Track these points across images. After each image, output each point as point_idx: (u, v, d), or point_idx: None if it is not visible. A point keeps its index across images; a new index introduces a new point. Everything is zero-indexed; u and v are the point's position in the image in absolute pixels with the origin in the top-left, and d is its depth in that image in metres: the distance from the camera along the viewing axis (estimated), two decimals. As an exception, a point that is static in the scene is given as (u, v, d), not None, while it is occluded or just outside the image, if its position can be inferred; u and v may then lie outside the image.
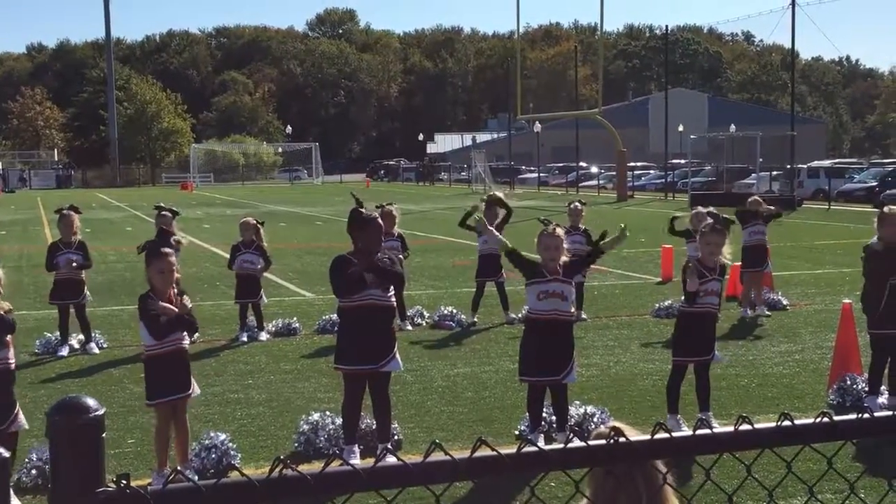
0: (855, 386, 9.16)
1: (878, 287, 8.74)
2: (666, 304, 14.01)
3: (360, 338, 7.35)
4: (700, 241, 8.56)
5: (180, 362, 7.18)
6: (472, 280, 14.13)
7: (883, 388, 8.98)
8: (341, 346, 7.53)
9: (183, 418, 7.30)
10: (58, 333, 12.14)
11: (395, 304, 7.63)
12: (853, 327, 9.60)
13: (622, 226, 8.02)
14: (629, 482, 2.59)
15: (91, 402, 1.57)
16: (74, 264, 11.88)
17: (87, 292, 12.31)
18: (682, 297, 8.34)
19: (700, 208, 13.16)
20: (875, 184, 43.90)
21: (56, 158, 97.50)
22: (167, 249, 7.33)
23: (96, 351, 11.99)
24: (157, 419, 7.29)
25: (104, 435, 1.58)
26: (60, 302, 12.05)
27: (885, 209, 8.92)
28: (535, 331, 7.69)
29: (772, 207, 14.53)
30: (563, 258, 7.72)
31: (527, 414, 8.03)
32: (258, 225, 13.04)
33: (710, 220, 8.70)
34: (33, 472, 7.08)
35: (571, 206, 13.84)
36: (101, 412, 1.57)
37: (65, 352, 11.86)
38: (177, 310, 6.99)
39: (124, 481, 1.53)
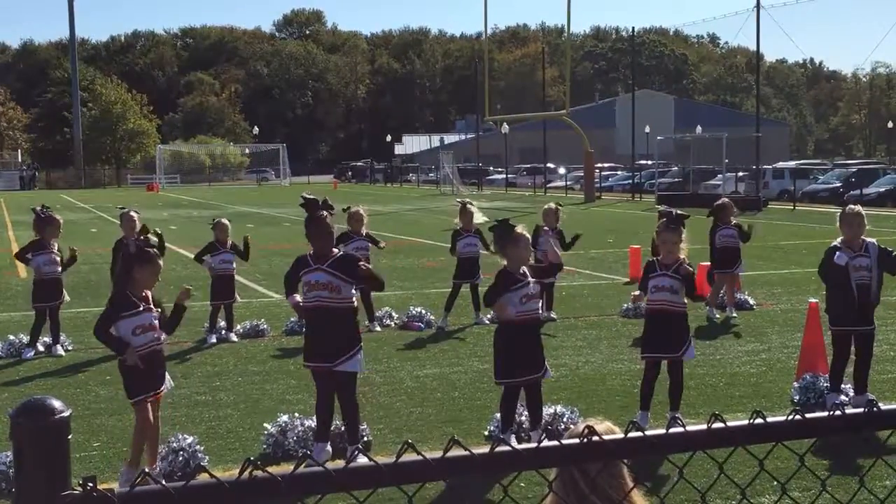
0: (817, 384, 9.20)
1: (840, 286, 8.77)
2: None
3: (315, 336, 7.55)
4: (657, 240, 8.56)
5: (157, 360, 7.25)
6: (442, 281, 14.13)
7: (847, 385, 9.04)
8: (305, 344, 7.79)
9: (156, 416, 7.26)
10: (21, 336, 11.98)
11: (352, 305, 7.58)
12: (819, 326, 9.66)
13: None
14: (597, 483, 2.58)
15: (57, 403, 1.54)
16: (60, 269, 12.09)
17: (65, 292, 12.24)
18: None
19: (660, 207, 13.23)
20: (839, 184, 44.34)
21: (20, 159, 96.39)
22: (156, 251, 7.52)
23: (62, 353, 11.84)
24: (139, 416, 7.13)
25: (69, 437, 1.54)
26: (43, 304, 11.88)
27: (847, 209, 8.87)
28: (513, 332, 7.63)
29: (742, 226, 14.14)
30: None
31: (497, 414, 8.02)
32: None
33: (664, 219, 8.58)
34: (-4, 476, 6.96)
35: (547, 207, 13.91)
36: (66, 413, 1.53)
37: (30, 354, 11.69)
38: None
39: (90, 484, 1.50)
